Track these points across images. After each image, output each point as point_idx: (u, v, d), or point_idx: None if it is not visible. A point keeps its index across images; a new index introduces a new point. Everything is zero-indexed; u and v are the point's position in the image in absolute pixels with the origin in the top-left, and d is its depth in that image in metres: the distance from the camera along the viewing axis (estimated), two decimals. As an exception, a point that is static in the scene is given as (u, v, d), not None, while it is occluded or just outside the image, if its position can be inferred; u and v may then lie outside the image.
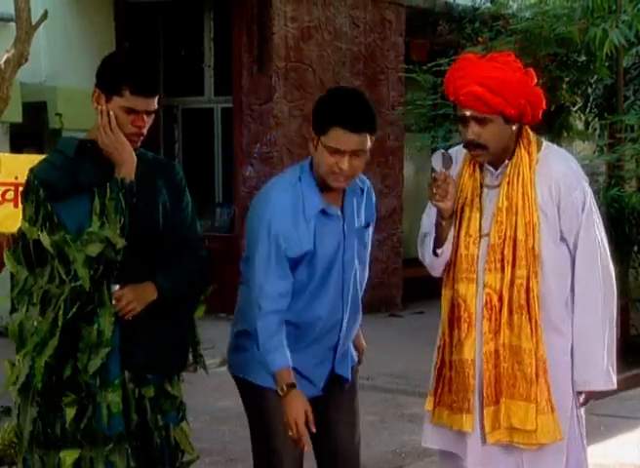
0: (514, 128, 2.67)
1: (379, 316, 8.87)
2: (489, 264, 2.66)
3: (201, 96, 9.75)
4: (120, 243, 2.46)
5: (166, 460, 2.65)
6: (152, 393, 2.63)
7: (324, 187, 2.69)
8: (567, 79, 7.93)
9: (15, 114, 7.37)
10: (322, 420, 2.76)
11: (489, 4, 9.39)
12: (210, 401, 5.91)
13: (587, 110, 8.48)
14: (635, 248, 7.36)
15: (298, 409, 2.58)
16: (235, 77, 9.10)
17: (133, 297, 2.54)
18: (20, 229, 2.58)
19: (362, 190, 2.83)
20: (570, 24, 7.26)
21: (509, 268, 2.65)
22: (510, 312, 2.65)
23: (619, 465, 4.81)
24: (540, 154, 2.70)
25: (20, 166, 4.22)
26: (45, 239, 2.47)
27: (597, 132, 8.84)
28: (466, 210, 2.72)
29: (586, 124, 8.69)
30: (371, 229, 2.89)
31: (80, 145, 2.62)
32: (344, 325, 2.81)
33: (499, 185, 2.70)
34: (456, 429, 2.70)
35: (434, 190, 2.68)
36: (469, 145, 2.70)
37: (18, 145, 8.11)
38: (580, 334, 2.68)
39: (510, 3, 8.73)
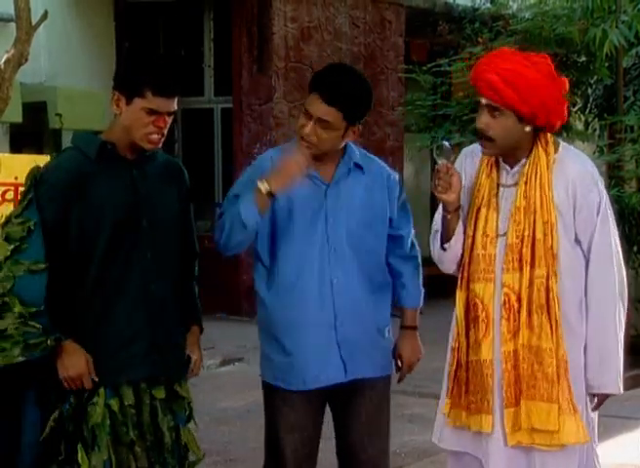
0: (527, 129, 2.64)
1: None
2: (506, 264, 2.65)
3: (201, 96, 9.75)
4: (3, 322, 2.43)
5: (176, 461, 2.66)
6: (163, 394, 2.63)
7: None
8: (567, 79, 7.93)
9: (15, 114, 7.37)
10: (338, 423, 2.90)
11: (489, 4, 9.39)
12: (210, 401, 5.90)
13: (587, 111, 8.48)
14: (635, 248, 7.35)
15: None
16: (235, 77, 9.10)
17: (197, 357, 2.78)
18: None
19: (361, 169, 2.87)
20: (570, 25, 7.27)
21: (528, 268, 2.63)
22: (529, 312, 2.63)
23: (618, 466, 4.81)
24: (558, 155, 2.69)
25: (19, 166, 4.22)
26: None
27: (597, 132, 8.84)
28: (483, 209, 2.70)
29: (586, 124, 8.69)
30: (390, 222, 2.89)
31: (102, 147, 2.58)
32: (338, 301, 2.80)
33: (515, 184, 2.69)
34: (475, 430, 2.69)
35: (436, 182, 2.67)
36: (478, 135, 2.71)
37: (17, 145, 8.11)
38: (594, 337, 2.67)
39: (510, 3, 8.74)
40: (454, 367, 2.74)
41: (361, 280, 2.85)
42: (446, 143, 2.69)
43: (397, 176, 2.98)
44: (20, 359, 2.41)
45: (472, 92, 8.30)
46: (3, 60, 4.35)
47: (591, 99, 8.42)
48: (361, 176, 2.88)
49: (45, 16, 4.88)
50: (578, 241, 2.68)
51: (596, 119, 8.59)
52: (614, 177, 7.48)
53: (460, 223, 2.73)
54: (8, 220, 2.49)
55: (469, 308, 2.70)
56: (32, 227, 2.46)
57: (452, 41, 9.17)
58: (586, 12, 7.07)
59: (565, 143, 2.77)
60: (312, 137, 2.74)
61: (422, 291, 3.02)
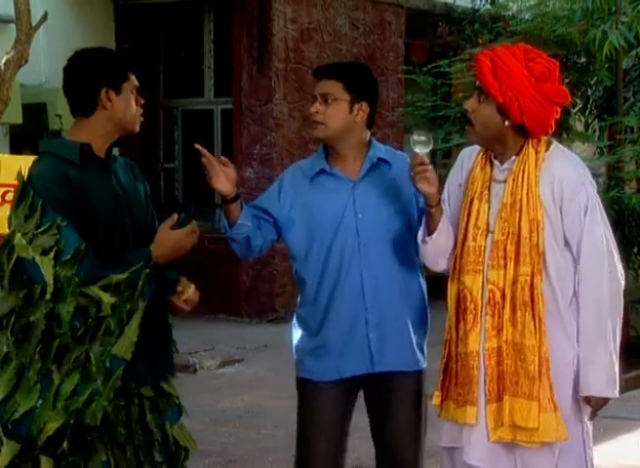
0: (507, 124, 2.64)
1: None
2: (492, 260, 2.65)
3: (201, 97, 9.75)
4: (106, 308, 2.46)
5: (163, 459, 2.65)
6: (152, 393, 2.63)
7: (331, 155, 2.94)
8: (567, 80, 7.92)
9: (15, 115, 7.38)
10: (371, 418, 2.99)
11: (489, 5, 9.39)
12: (209, 402, 5.90)
13: (587, 112, 8.48)
14: (635, 249, 7.35)
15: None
16: (235, 78, 9.10)
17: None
18: (7, 243, 2.49)
19: (388, 163, 2.94)
20: (570, 26, 7.27)
21: (512, 265, 2.63)
22: (514, 309, 2.63)
23: (618, 467, 4.81)
24: (548, 153, 2.69)
25: (19, 167, 4.21)
26: (47, 268, 2.42)
27: (597, 133, 8.83)
28: (476, 202, 2.71)
29: (586, 125, 8.69)
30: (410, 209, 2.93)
31: (82, 150, 2.59)
32: (368, 292, 2.86)
33: (504, 181, 2.69)
34: (461, 422, 2.70)
35: (411, 173, 2.70)
36: (463, 116, 2.77)
37: (18, 146, 8.11)
38: (583, 338, 2.67)
39: (510, 4, 8.74)
40: (445, 359, 2.76)
41: (392, 273, 2.90)
42: (419, 134, 2.69)
43: None
44: (144, 304, 2.48)
45: (473, 93, 8.30)
46: (3, 62, 4.35)
47: (591, 100, 8.42)
48: (387, 171, 2.95)
49: (45, 17, 4.88)
50: (567, 244, 2.66)
51: (596, 120, 8.59)
52: (614, 178, 7.47)
53: (445, 218, 2.75)
54: (32, 238, 2.45)
55: (460, 300, 2.71)
56: (61, 224, 2.46)
57: (452, 42, 9.17)
58: (586, 13, 7.07)
59: (558, 144, 2.76)
60: (319, 116, 2.87)
61: None
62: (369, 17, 9.67)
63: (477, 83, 2.68)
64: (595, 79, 8.00)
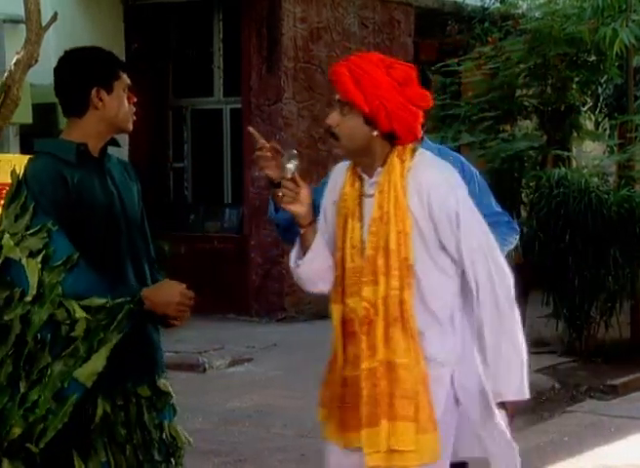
0: (375, 133, 2.54)
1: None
2: (366, 277, 2.54)
3: (210, 96, 9.76)
4: (79, 329, 2.41)
5: (163, 457, 2.65)
6: (149, 392, 2.63)
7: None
8: (577, 79, 7.91)
9: (25, 115, 7.39)
10: None
11: (498, 4, 9.37)
12: (219, 401, 5.90)
13: (597, 110, 8.46)
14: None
15: None
16: (244, 78, 9.11)
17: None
18: None
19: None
20: (580, 24, 7.25)
21: (383, 280, 2.53)
22: (386, 326, 2.52)
23: (628, 466, 4.80)
24: (413, 162, 2.58)
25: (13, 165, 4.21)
26: (32, 271, 2.39)
27: (607, 132, 8.81)
28: (349, 220, 2.60)
29: (596, 124, 8.67)
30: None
31: (78, 150, 2.57)
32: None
33: (373, 194, 2.59)
34: (346, 447, 2.58)
35: (280, 193, 2.58)
36: (326, 131, 2.65)
37: (28, 146, 8.13)
38: (486, 343, 2.55)
39: (520, 3, 8.72)
40: (328, 381, 2.63)
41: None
42: (292, 150, 2.64)
43: (469, 166, 3.06)
44: (118, 337, 2.40)
45: (482, 92, 8.31)
46: (13, 62, 4.35)
47: (601, 99, 8.40)
48: None
49: (55, 17, 4.88)
50: (444, 248, 2.55)
51: (606, 118, 8.57)
52: (624, 177, 7.46)
53: (319, 238, 2.63)
54: (20, 240, 2.43)
55: (346, 323, 2.59)
56: (52, 228, 2.43)
57: (461, 41, 9.16)
58: (597, 11, 7.05)
59: (423, 150, 2.66)
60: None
61: None
62: (378, 16, 9.66)
63: (336, 97, 2.57)
64: (605, 77, 7.98)
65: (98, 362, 2.39)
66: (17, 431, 2.38)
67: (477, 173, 3.29)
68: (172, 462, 2.68)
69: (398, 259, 2.52)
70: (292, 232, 2.77)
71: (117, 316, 2.42)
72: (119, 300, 2.44)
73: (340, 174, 2.70)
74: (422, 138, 2.95)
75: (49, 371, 2.39)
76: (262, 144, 2.68)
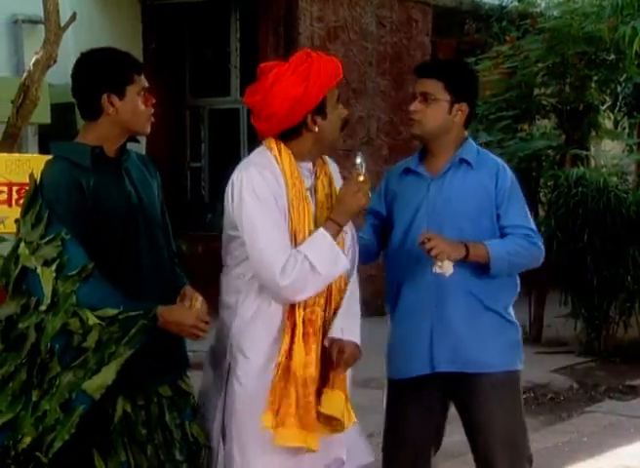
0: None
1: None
2: None
3: (227, 96, 9.77)
4: (93, 334, 2.41)
5: (184, 457, 2.65)
6: (169, 392, 2.63)
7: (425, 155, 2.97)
8: (595, 78, 7.86)
9: (43, 115, 7.43)
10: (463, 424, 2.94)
11: (516, 2, 9.33)
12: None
13: (616, 109, 8.40)
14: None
15: None
16: (261, 77, 9.11)
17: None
18: (15, 249, 2.47)
19: (469, 164, 2.93)
20: (599, 22, 7.20)
21: None
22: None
23: (649, 467, 4.76)
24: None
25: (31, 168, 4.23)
26: (47, 280, 2.40)
27: (626, 130, 8.75)
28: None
29: (615, 123, 8.61)
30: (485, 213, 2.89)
31: (94, 154, 2.56)
32: (439, 291, 2.83)
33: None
34: (301, 448, 2.56)
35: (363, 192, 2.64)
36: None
37: (46, 146, 8.17)
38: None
39: (538, 1, 8.68)
40: (279, 380, 2.58)
41: (461, 273, 2.82)
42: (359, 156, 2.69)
43: (508, 172, 2.97)
44: (129, 352, 2.40)
45: (500, 91, 8.28)
46: (32, 62, 4.37)
47: (620, 98, 8.34)
48: (469, 171, 2.93)
49: (74, 17, 4.90)
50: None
51: (625, 117, 8.51)
52: (643, 176, 7.40)
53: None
54: (35, 248, 2.43)
55: (304, 323, 2.60)
56: (65, 237, 2.43)
57: (479, 40, 9.13)
58: (616, 9, 7.00)
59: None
60: (418, 114, 2.89)
61: (517, 260, 2.88)
62: (395, 15, 9.64)
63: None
64: (625, 76, 7.92)
65: (107, 375, 2.39)
66: (27, 440, 2.39)
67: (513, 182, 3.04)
68: (194, 462, 2.67)
69: None
70: (366, 256, 2.91)
71: (130, 330, 2.42)
72: (133, 313, 2.43)
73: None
74: (467, 138, 3.00)
75: (57, 381, 2.39)
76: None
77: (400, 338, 2.94)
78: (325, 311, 2.61)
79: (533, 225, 2.96)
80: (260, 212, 2.56)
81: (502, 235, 2.89)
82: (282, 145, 2.65)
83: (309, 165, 2.68)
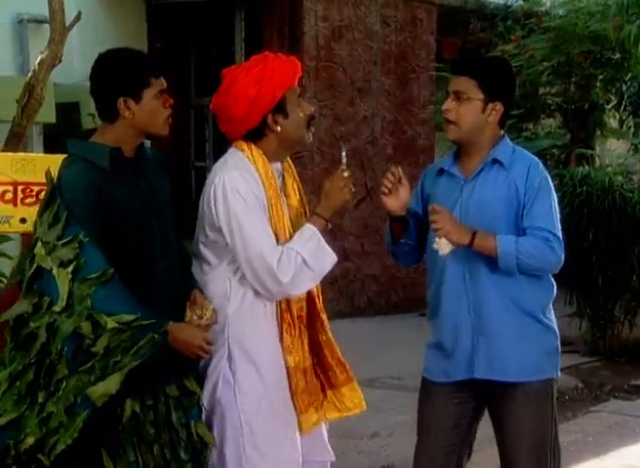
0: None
1: (409, 316, 8.84)
2: None
3: (232, 95, 9.77)
4: (102, 340, 2.42)
5: (189, 456, 2.66)
6: (176, 392, 2.64)
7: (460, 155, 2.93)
8: (601, 77, 7.85)
9: (48, 114, 7.44)
10: (495, 432, 2.93)
11: (521, 1, 9.32)
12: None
13: (622, 108, 8.39)
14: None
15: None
16: (266, 77, 9.11)
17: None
18: (31, 249, 2.47)
19: (502, 164, 2.86)
20: (604, 22, 7.19)
21: None
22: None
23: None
24: None
25: (54, 166, 4.24)
26: (63, 281, 2.39)
27: (631, 130, 8.74)
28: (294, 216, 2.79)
29: (621, 122, 8.60)
30: (509, 208, 2.83)
31: (112, 155, 2.56)
32: (472, 294, 2.82)
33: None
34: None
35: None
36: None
37: (51, 145, 8.19)
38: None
39: (543, 0, 8.67)
40: (294, 371, 2.75)
41: (497, 277, 2.80)
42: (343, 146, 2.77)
43: (539, 171, 2.86)
44: (134, 363, 2.42)
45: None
46: (37, 61, 4.38)
47: (626, 97, 8.33)
48: (502, 172, 2.85)
49: (79, 17, 4.90)
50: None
51: (630, 116, 8.50)
52: (649, 176, 7.38)
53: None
54: (52, 249, 2.43)
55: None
56: (83, 239, 2.42)
57: (484, 39, 9.11)
58: (621, 8, 7.00)
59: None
60: (451, 114, 2.83)
61: (524, 256, 2.78)
62: (400, 14, 9.63)
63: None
64: (630, 75, 7.91)
65: (111, 384, 2.39)
66: (30, 440, 2.39)
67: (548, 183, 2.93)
68: (199, 461, 2.68)
69: None
70: (408, 260, 3.02)
71: (139, 341, 2.42)
72: (145, 322, 2.43)
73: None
74: (502, 137, 2.91)
75: (64, 384, 2.39)
76: (396, 179, 2.78)
77: (439, 340, 2.92)
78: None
79: (556, 230, 2.82)
80: (247, 212, 2.62)
81: (524, 235, 2.82)
82: (252, 146, 2.71)
83: (278, 165, 2.74)
